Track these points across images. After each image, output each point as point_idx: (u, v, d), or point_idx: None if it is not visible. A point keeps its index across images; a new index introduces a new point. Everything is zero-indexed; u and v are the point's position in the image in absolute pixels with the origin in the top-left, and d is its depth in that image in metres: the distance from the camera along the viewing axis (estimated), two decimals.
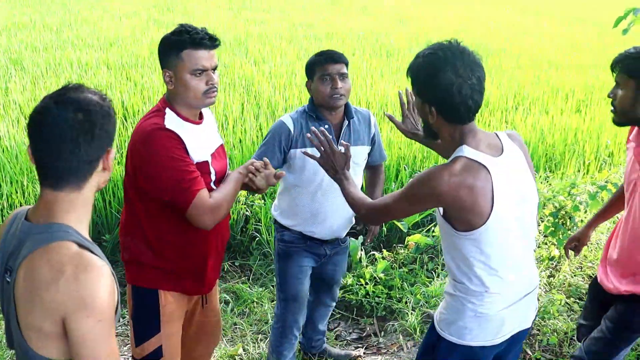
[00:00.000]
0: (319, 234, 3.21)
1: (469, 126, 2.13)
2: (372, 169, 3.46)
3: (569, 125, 7.40)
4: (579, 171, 6.41)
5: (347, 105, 3.12)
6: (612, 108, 2.63)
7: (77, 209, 1.61)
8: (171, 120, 2.40)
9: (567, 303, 4.20)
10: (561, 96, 9.01)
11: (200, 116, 2.57)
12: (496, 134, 2.22)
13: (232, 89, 8.21)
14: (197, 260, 2.58)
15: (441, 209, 2.16)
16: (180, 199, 2.33)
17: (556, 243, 4.65)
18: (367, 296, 4.30)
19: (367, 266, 4.53)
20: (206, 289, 2.69)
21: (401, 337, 3.98)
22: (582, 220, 5.07)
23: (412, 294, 4.26)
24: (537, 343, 3.78)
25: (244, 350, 3.82)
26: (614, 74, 2.60)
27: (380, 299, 4.26)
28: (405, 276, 4.46)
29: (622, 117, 2.63)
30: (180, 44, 2.39)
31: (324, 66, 3.00)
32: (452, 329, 2.26)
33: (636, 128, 2.68)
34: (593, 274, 4.59)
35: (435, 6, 19.91)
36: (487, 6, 21.15)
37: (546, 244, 4.87)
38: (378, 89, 8.32)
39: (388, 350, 3.90)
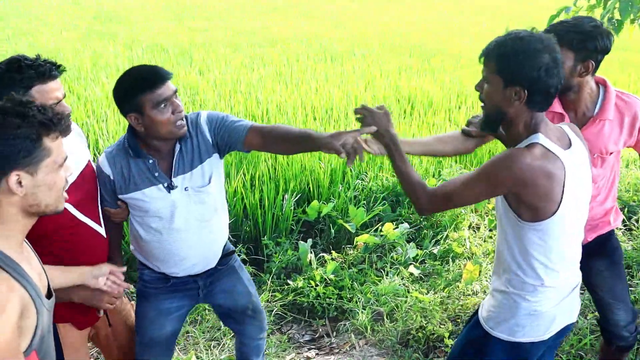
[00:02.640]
0: (183, 273, 2.79)
1: (542, 115, 2.16)
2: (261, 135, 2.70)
3: None
4: None
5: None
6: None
7: None
8: None
9: None
10: None
11: None
12: (561, 127, 2.25)
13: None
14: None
15: (501, 198, 2.19)
16: None
17: None
18: (318, 298, 4.34)
19: (317, 268, 4.57)
20: (92, 319, 2.65)
21: (353, 336, 4.03)
22: None
23: (362, 293, 4.32)
24: None
25: (197, 357, 3.82)
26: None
27: (332, 299, 4.30)
28: (355, 276, 4.52)
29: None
30: (27, 80, 2.17)
31: (155, 91, 2.41)
32: (504, 327, 2.28)
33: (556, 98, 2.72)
34: None
35: (374, 10, 20.13)
36: (425, 9, 21.48)
37: (491, 237, 4.99)
38: (323, 93, 8.39)
39: (340, 350, 3.94)
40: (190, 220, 2.66)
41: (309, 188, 5.50)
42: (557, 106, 2.75)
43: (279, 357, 3.87)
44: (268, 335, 4.02)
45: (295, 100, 7.84)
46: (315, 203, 5.11)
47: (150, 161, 2.57)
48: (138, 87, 2.42)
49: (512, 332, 2.27)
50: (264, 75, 9.50)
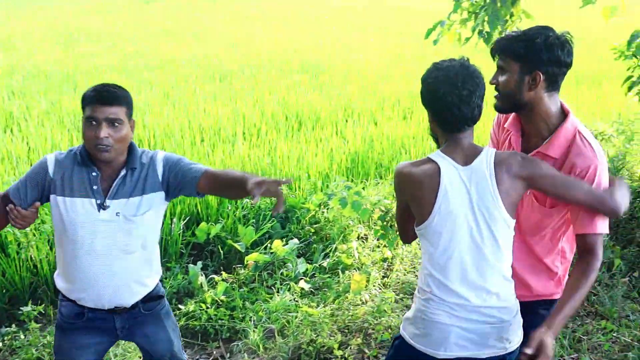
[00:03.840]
0: (89, 302, 2.68)
1: (455, 136, 2.27)
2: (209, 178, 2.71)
3: (396, 133, 7.80)
4: None
5: (130, 153, 2.63)
6: (496, 94, 2.48)
7: None
8: None
9: (401, 300, 4.44)
10: (388, 106, 9.47)
11: None
12: (479, 148, 2.29)
13: (60, 126, 7.94)
14: None
15: None
16: None
17: (387, 245, 4.89)
18: (210, 320, 4.30)
19: (208, 290, 4.53)
20: None
21: (246, 355, 4.02)
22: None
23: (253, 312, 4.31)
24: (373, 341, 3.95)
25: None
26: (496, 59, 2.47)
27: (224, 321, 4.28)
28: (246, 295, 4.51)
29: (505, 103, 2.48)
30: None
31: (92, 106, 2.47)
32: (406, 324, 2.39)
33: (512, 115, 2.58)
34: None
35: (266, 30, 20.25)
36: (316, 27, 21.79)
37: (379, 246, 5.10)
38: (211, 113, 8.36)
39: None
40: (111, 247, 2.59)
41: (198, 210, 5.46)
42: (513, 124, 2.58)
43: None
44: None
45: (182, 122, 7.77)
46: (203, 225, 5.08)
47: (94, 174, 2.56)
48: (85, 98, 2.52)
49: (410, 333, 2.34)
50: (152, 98, 9.36)
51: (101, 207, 2.56)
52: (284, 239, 5.12)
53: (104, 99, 2.46)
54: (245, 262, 4.87)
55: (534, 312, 2.52)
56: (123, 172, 2.59)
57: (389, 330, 4.01)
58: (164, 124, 7.67)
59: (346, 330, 4.07)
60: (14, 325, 4.29)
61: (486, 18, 6.32)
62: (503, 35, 2.55)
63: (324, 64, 13.46)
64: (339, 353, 3.81)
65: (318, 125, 8.01)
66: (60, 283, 2.75)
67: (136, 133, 7.21)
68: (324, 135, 7.55)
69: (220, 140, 7.20)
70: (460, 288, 2.24)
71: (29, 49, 15.28)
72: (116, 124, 2.47)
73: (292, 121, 8.25)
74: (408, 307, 4.33)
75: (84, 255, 2.59)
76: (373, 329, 4.04)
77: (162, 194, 2.67)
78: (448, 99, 2.21)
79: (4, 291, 4.49)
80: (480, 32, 6.50)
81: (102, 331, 2.77)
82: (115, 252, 2.61)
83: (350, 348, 3.90)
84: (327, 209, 5.41)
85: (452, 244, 2.23)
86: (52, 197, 2.59)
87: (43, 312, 4.40)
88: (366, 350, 3.89)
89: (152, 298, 2.80)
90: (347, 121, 8.39)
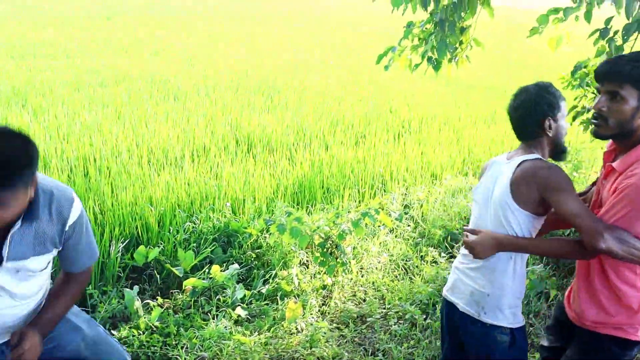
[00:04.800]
0: None
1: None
2: (65, 279, 2.64)
3: (346, 157, 7.81)
4: (357, 200, 6.76)
5: (33, 200, 2.27)
6: (599, 119, 2.43)
7: None
8: None
9: (336, 328, 4.42)
10: (341, 129, 9.50)
11: None
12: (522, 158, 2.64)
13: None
14: None
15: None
16: None
17: (327, 272, 4.87)
18: (143, 347, 4.22)
19: (144, 315, 4.45)
20: None
21: None
22: (354, 248, 5.37)
23: (187, 339, 4.25)
24: None
25: None
26: (605, 84, 2.41)
27: (156, 347, 4.20)
28: (181, 321, 4.44)
29: (612, 130, 2.43)
30: None
31: None
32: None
33: (610, 141, 2.58)
34: (364, 298, 4.87)
35: (226, 48, 20.22)
36: (276, 46, 21.84)
37: (319, 273, 5.08)
38: (161, 133, 8.27)
39: None
40: (2, 294, 2.37)
41: (138, 232, 5.38)
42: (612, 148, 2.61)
43: None
44: None
45: (131, 142, 7.68)
46: (142, 248, 5.00)
47: None
48: None
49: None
50: (103, 117, 9.24)
51: None
52: (225, 264, 5.07)
53: None
54: (183, 287, 4.81)
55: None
56: (18, 225, 2.26)
57: None
58: (112, 143, 7.57)
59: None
60: None
61: (435, 44, 6.39)
62: (609, 58, 2.43)
63: (280, 84, 13.47)
64: None
65: (268, 149, 7.99)
66: None
67: (82, 152, 7.11)
68: (273, 159, 7.53)
69: (167, 162, 7.12)
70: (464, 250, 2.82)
71: None
72: (5, 205, 2.09)
73: (242, 144, 8.21)
74: (343, 337, 4.31)
75: None
76: (304, 359, 4.00)
77: (54, 254, 2.48)
78: None
79: None
80: (429, 59, 6.57)
81: None
82: (6, 298, 2.40)
83: None
84: (269, 234, 5.38)
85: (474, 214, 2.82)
86: None
87: None
88: None
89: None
90: (297, 144, 8.39)
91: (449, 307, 2.89)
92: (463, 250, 2.83)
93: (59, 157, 6.98)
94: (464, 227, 2.79)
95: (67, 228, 2.40)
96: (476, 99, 13.32)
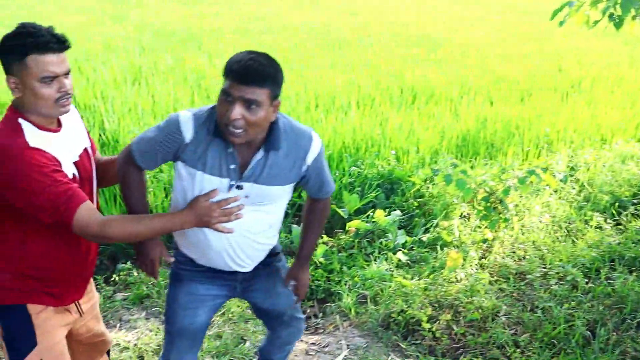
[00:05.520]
0: (208, 264, 2.59)
1: None
2: (312, 202, 2.72)
3: (511, 114, 7.66)
4: (520, 159, 6.64)
5: (272, 132, 2.33)
6: None
7: None
8: (32, 135, 2.17)
9: (495, 282, 4.45)
10: (506, 85, 9.28)
11: (59, 123, 2.32)
12: None
13: (183, 83, 8.32)
14: (70, 267, 2.43)
15: None
16: (61, 219, 2.15)
17: (489, 227, 4.88)
18: None
19: None
20: (78, 294, 2.53)
21: (338, 317, 4.17)
22: (516, 205, 5.34)
23: (349, 277, 4.45)
24: (462, 319, 4.00)
25: None
26: None
27: (320, 282, 4.43)
28: (344, 260, 4.65)
29: None
30: (23, 49, 2.11)
31: (230, 81, 2.15)
32: None
33: None
34: (524, 256, 4.85)
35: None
36: (436, 0, 21.46)
37: (480, 227, 5.10)
38: (327, 80, 8.49)
39: (325, 330, 4.08)
40: (236, 226, 2.38)
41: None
42: None
43: (265, 334, 4.01)
44: None
45: (298, 87, 7.95)
46: None
47: (230, 150, 2.31)
48: (227, 68, 2.23)
49: None
50: None
51: (232, 188, 2.35)
52: (387, 210, 5.20)
53: (245, 76, 2.13)
54: (346, 229, 5.00)
55: None
56: (261, 154, 2.34)
57: (480, 310, 4.05)
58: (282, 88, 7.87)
59: (437, 305, 4.14)
60: (128, 263, 4.64)
61: (619, 0, 6.07)
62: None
63: (442, 39, 13.30)
64: (427, 326, 3.89)
65: (432, 100, 7.99)
66: (177, 238, 2.65)
67: None
68: (437, 111, 7.53)
69: (334, 107, 7.33)
70: None
71: (158, 7, 15.94)
72: (253, 106, 2.16)
73: (406, 94, 8.26)
74: (502, 290, 4.34)
75: (207, 231, 2.42)
76: (464, 307, 4.08)
77: (291, 186, 2.49)
78: None
79: None
80: (611, 16, 6.25)
81: (221, 284, 2.67)
82: (240, 230, 2.43)
83: (439, 322, 3.97)
84: (433, 184, 5.45)
85: None
86: (180, 164, 2.37)
87: None
88: (454, 327, 3.94)
89: (270, 254, 2.72)
90: (462, 98, 8.31)
91: None
92: None
93: None
94: None
95: (306, 163, 2.44)
96: None
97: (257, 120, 2.18)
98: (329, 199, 2.75)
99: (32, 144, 2.14)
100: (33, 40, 2.11)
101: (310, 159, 2.44)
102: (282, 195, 2.48)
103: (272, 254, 2.74)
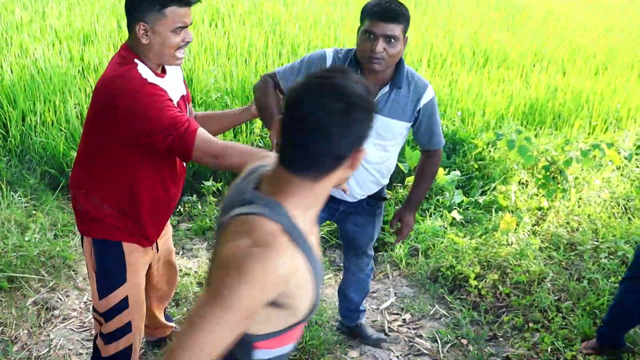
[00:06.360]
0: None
1: None
2: (424, 154, 3.08)
3: (583, 86, 7.58)
4: (587, 132, 6.59)
5: (398, 70, 2.72)
6: None
7: (307, 198, 1.47)
8: (146, 74, 2.33)
9: (545, 249, 4.54)
10: (581, 58, 9.13)
11: (163, 70, 2.49)
12: None
13: (259, 27, 8.49)
14: (162, 208, 2.59)
15: None
16: (181, 141, 2.27)
17: (545, 195, 4.95)
18: None
19: None
20: (160, 234, 2.70)
21: (389, 266, 4.35)
22: (576, 177, 5.36)
23: None
24: (508, 280, 4.13)
25: None
26: None
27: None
28: None
29: None
30: (165, 1, 2.28)
31: (371, 21, 2.56)
32: None
33: None
34: (577, 228, 4.91)
35: None
36: None
37: (537, 195, 5.17)
38: None
39: (375, 277, 4.27)
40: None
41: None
42: None
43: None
44: None
45: None
46: None
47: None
48: (367, 11, 2.62)
49: None
50: (346, 15, 9.67)
51: None
52: (447, 169, 5.31)
53: (385, 16, 2.54)
54: (405, 183, 5.14)
55: None
56: (387, 89, 2.73)
57: (527, 274, 4.16)
58: (354, 41, 7.95)
59: (485, 264, 4.26)
60: (194, 196, 4.90)
61: None
62: None
63: (521, 4, 13.05)
64: (473, 283, 4.04)
65: (504, 65, 7.95)
66: None
67: (327, 43, 7.58)
68: (507, 76, 7.51)
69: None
70: None
71: None
72: (392, 41, 2.57)
73: (479, 57, 8.24)
74: (550, 258, 4.44)
75: None
76: (511, 269, 4.20)
77: (408, 126, 2.86)
78: None
79: (190, 165, 5.08)
80: None
81: (324, 210, 2.92)
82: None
83: (486, 281, 4.11)
84: (495, 148, 5.52)
85: None
86: None
87: (220, 189, 4.96)
88: (500, 287, 4.07)
89: (376, 197, 3.11)
90: (534, 66, 8.25)
91: None
92: None
93: (305, 46, 7.51)
94: None
95: (420, 106, 2.79)
96: None
97: (395, 52, 2.60)
98: (440, 153, 3.07)
99: (149, 80, 2.31)
100: None
101: (422, 102, 2.80)
102: (400, 132, 2.83)
103: (379, 198, 3.13)
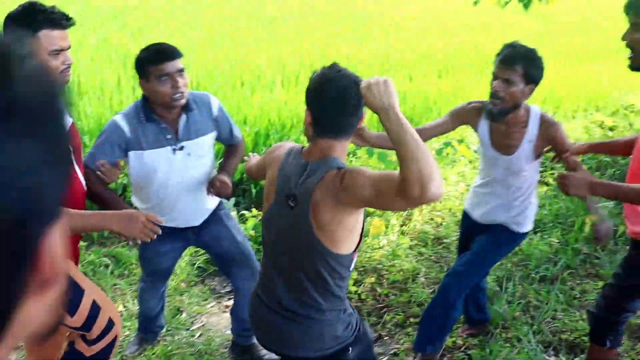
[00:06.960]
0: (172, 224, 3.09)
1: None
2: (229, 149, 3.32)
3: (429, 90, 8.02)
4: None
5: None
6: (630, 53, 2.39)
7: (343, 151, 2.12)
8: None
9: (415, 246, 4.79)
10: (426, 62, 9.66)
11: None
12: None
13: (108, 62, 8.33)
14: None
15: None
16: None
17: None
18: None
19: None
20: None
21: None
22: None
23: None
24: (385, 281, 4.32)
25: (124, 307, 4.12)
26: (630, 16, 2.37)
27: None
28: None
29: None
30: (37, 25, 2.31)
31: (159, 66, 2.75)
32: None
33: None
34: (441, 222, 5.21)
35: None
36: None
37: None
38: (253, 58, 8.62)
39: None
40: (184, 180, 3.00)
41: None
42: None
43: (199, 305, 4.21)
44: (190, 286, 4.35)
45: (224, 66, 8.08)
46: (240, 165, 5.43)
47: (163, 125, 2.90)
48: (146, 59, 2.79)
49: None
50: (196, 39, 9.67)
51: (175, 151, 2.94)
52: None
53: (168, 55, 2.76)
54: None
55: None
56: (183, 118, 2.94)
57: (401, 272, 4.37)
58: (207, 66, 8.01)
59: (362, 269, 4.44)
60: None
61: None
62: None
63: (360, 15, 13.57)
64: (353, 289, 4.19)
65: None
66: (137, 203, 3.18)
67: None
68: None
69: (260, 85, 7.52)
70: None
71: None
72: (182, 73, 2.81)
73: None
74: (421, 254, 4.68)
75: (163, 191, 3.00)
76: (386, 271, 4.40)
77: (214, 135, 3.10)
78: None
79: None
80: None
81: (178, 238, 3.21)
82: (190, 185, 3.03)
83: (364, 285, 4.28)
84: (355, 157, 5.74)
85: None
86: (130, 153, 2.91)
87: None
88: (378, 289, 4.26)
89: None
90: (381, 75, 8.60)
91: None
92: None
93: None
94: None
95: (214, 113, 3.06)
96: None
97: (187, 82, 2.89)
98: (242, 143, 3.34)
99: None
100: (45, 17, 2.33)
101: (215, 108, 3.08)
102: (211, 144, 3.08)
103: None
